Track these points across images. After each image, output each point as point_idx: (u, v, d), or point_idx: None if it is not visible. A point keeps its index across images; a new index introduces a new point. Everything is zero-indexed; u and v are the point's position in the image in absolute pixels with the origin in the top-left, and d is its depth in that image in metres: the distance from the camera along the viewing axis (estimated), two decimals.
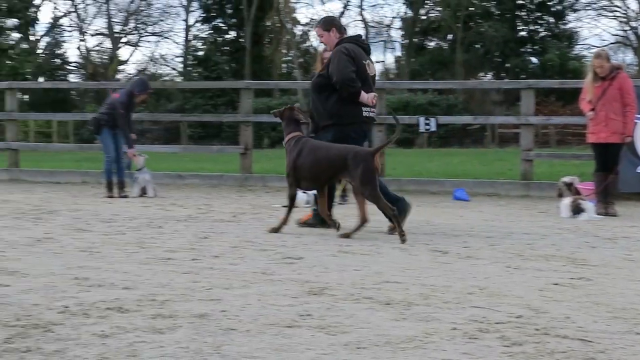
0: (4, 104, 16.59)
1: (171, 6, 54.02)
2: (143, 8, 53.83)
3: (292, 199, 7.71)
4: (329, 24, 8.19)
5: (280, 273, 5.27)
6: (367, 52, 8.16)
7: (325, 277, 5.16)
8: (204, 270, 5.31)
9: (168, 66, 58.20)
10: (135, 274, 5.12)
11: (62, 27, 56.51)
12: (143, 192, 11.70)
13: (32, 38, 50.38)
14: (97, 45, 57.93)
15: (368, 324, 3.88)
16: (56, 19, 55.00)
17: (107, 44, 55.70)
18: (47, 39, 55.49)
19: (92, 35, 56.64)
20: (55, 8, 55.85)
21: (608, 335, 3.71)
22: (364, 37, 8.63)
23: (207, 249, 6.40)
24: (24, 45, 46.72)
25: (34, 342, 3.43)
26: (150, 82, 12.35)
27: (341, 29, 8.20)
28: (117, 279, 4.94)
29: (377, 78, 8.49)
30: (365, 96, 7.79)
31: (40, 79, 47.45)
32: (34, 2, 49.54)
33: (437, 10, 51.19)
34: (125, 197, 11.57)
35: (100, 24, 69.86)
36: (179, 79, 52.07)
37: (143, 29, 55.41)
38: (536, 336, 3.67)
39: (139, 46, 56.40)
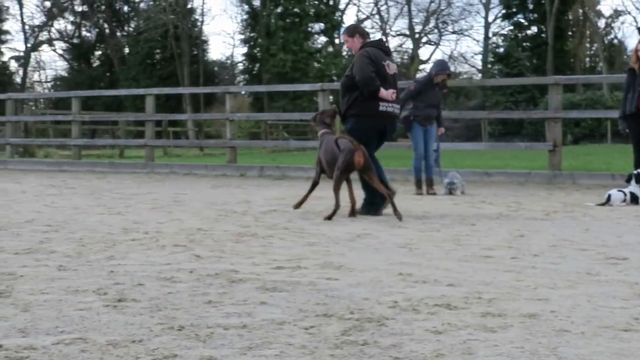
0: (312, 104, 17.33)
1: (471, 4, 53.99)
2: (444, 7, 54.24)
3: (314, 185, 9.04)
4: (353, 31, 9.45)
5: (605, 274, 5.06)
6: (387, 53, 9.28)
7: None
8: (526, 269, 5.21)
9: (467, 64, 58.29)
10: (457, 271, 5.13)
11: (365, 29, 58.37)
12: (451, 191, 11.72)
13: (337, 41, 52.31)
14: (398, 46, 59.20)
15: None
16: (360, 21, 56.81)
17: (408, 44, 56.74)
18: None
19: (394, 35, 57.93)
20: (359, 11, 57.56)
21: None
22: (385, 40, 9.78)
23: (525, 247, 6.30)
24: (330, 49, 48.57)
25: (369, 335, 3.51)
26: (449, 63, 12.43)
27: (364, 35, 9.37)
28: (439, 275, 4.97)
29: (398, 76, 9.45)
30: (384, 93, 8.85)
31: None
32: (339, 7, 51.40)
33: None
34: (434, 194, 11.67)
35: (401, 24, 71.32)
36: (477, 77, 51.94)
37: (443, 28, 55.87)
38: None
39: (439, 45, 56.75)
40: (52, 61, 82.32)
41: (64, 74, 64.63)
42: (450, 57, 55.86)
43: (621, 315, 3.91)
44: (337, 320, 3.79)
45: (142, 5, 59.13)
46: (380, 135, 9.19)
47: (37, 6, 62.74)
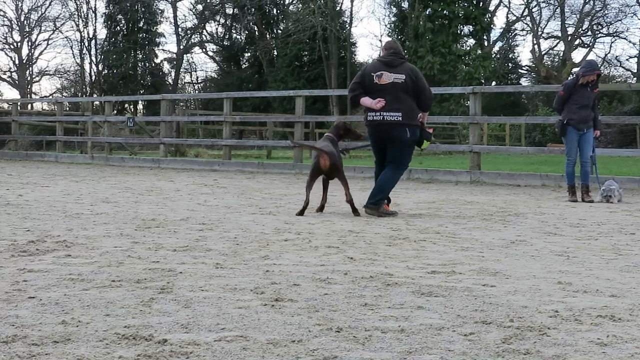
0: (459, 107, 17.11)
1: (628, 5, 52.22)
2: (598, 8, 52.67)
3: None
4: (382, 47, 9.89)
5: None
6: (389, 65, 9.24)
7: None
8: None
9: (622, 67, 56.47)
10: (619, 282, 4.94)
11: (516, 31, 57.27)
12: (608, 199, 11.32)
13: (486, 44, 51.60)
14: (550, 49, 57.88)
15: None
16: (510, 23, 55.87)
17: (560, 46, 55.41)
18: (500, 43, 56.59)
19: (545, 38, 56.68)
20: (509, 12, 56.56)
21: None
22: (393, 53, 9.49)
23: None
24: (479, 51, 47.95)
25: (531, 345, 3.42)
26: (598, 64, 12.03)
27: (385, 49, 9.54)
28: (600, 285, 4.80)
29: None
30: (368, 101, 9.21)
31: (493, 83, 48.43)
32: (489, 9, 50.67)
33: None
34: (591, 201, 11.32)
35: (553, 26, 69.73)
36: (632, 81, 50.22)
37: (598, 30, 54.27)
38: None
39: (592, 48, 55.15)
40: (203, 63, 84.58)
41: (214, 75, 66.25)
42: (604, 60, 54.26)
43: None
44: (497, 327, 3.71)
45: (291, 7, 59.94)
46: (384, 143, 9.32)
47: (190, 9, 64.59)
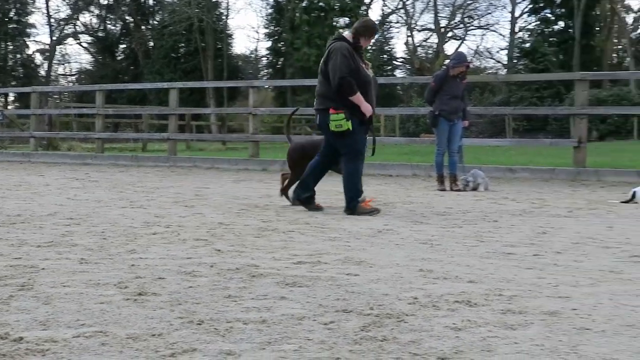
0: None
1: None
2: (470, 2, 53.99)
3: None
4: None
5: (629, 272, 5.02)
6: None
7: None
8: (548, 267, 5.18)
9: (493, 59, 58.07)
10: (478, 268, 5.10)
11: (390, 23, 58.13)
12: (474, 187, 11.67)
13: None
14: (423, 41, 59.04)
15: None
16: (385, 16, 56.68)
17: (433, 38, 56.58)
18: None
19: (419, 30, 57.78)
20: (384, 5, 57.39)
21: None
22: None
23: (548, 244, 6.26)
24: None
25: (389, 331, 3.50)
26: (467, 56, 12.44)
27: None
28: (460, 272, 4.95)
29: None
30: None
31: None
32: (364, 1, 51.25)
33: None
34: (458, 190, 11.63)
35: (427, 19, 71.11)
36: (503, 72, 51.67)
37: (469, 23, 55.64)
38: None
39: (464, 40, 56.51)
40: (77, 54, 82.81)
41: (89, 67, 64.97)
42: (476, 52, 55.71)
43: None
44: (357, 316, 3.78)
45: None
46: None
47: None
